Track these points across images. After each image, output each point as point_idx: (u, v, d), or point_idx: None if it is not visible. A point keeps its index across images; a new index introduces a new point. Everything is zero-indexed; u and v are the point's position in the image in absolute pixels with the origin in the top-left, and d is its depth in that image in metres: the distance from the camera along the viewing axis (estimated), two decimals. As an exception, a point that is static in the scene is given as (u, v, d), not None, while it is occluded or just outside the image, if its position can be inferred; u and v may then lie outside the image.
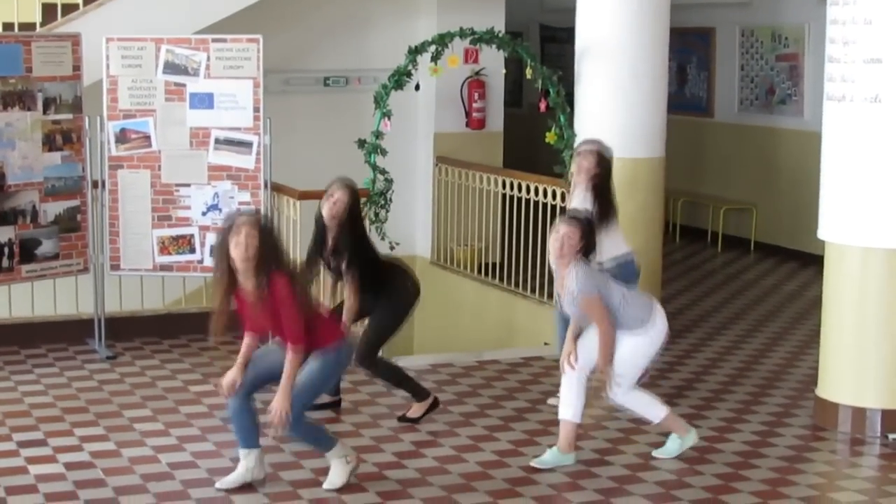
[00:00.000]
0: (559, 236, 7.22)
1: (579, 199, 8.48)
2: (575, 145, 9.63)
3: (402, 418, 8.17)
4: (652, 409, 7.51)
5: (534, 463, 7.36)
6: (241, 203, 9.67)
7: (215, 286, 6.84)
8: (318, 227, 8.08)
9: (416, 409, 8.19)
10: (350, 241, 7.93)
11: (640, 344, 7.31)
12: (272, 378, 6.82)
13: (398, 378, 8.29)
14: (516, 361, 9.69)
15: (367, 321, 8.23)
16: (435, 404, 8.23)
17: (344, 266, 7.96)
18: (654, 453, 7.52)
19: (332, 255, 8.00)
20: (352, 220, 7.97)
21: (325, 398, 8.31)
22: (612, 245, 8.46)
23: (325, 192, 8.02)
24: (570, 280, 7.22)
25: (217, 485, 6.98)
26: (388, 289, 8.12)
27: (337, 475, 6.96)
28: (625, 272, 8.36)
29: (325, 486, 6.96)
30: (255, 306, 6.70)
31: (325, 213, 7.95)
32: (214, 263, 6.83)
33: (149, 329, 10.31)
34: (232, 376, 6.87)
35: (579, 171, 8.53)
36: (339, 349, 6.88)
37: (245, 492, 6.89)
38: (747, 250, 14.52)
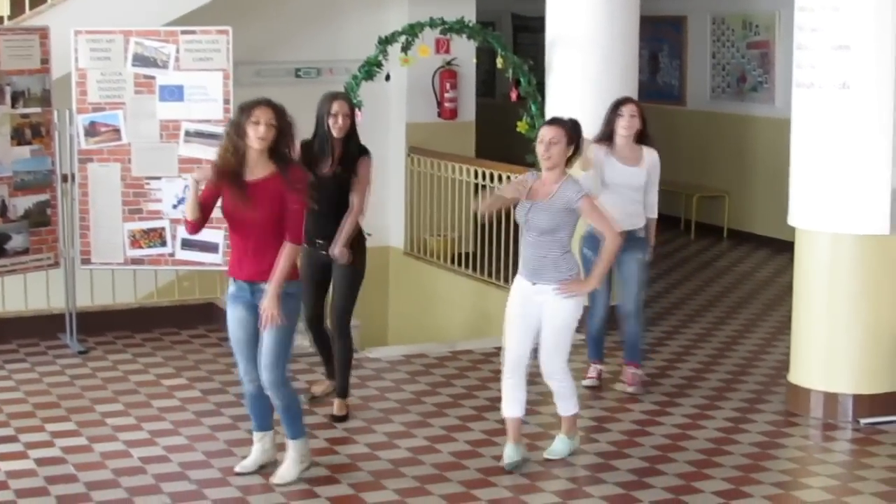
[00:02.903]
0: (546, 143, 6.97)
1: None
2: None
3: (332, 417, 8.02)
4: (573, 401, 7.27)
5: (547, 455, 7.30)
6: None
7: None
8: (319, 143, 7.90)
9: (342, 406, 8.06)
10: (358, 143, 7.93)
11: (576, 307, 7.08)
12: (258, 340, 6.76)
13: (349, 364, 8.16)
14: (490, 351, 9.67)
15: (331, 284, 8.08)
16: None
17: (358, 164, 7.85)
18: (546, 454, 7.29)
19: (340, 163, 7.85)
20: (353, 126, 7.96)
21: (328, 384, 8.36)
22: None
23: (325, 110, 7.87)
24: (561, 186, 6.96)
25: (236, 468, 7.03)
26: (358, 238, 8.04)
27: (290, 470, 6.90)
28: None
29: (275, 480, 6.88)
30: (256, 195, 6.59)
31: (335, 132, 7.81)
32: (224, 156, 6.65)
33: (121, 323, 10.26)
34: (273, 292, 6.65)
35: (629, 128, 8.47)
36: (293, 283, 6.76)
37: (218, 485, 6.88)
38: (720, 237, 14.55)
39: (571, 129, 7.07)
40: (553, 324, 7.06)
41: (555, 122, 7.15)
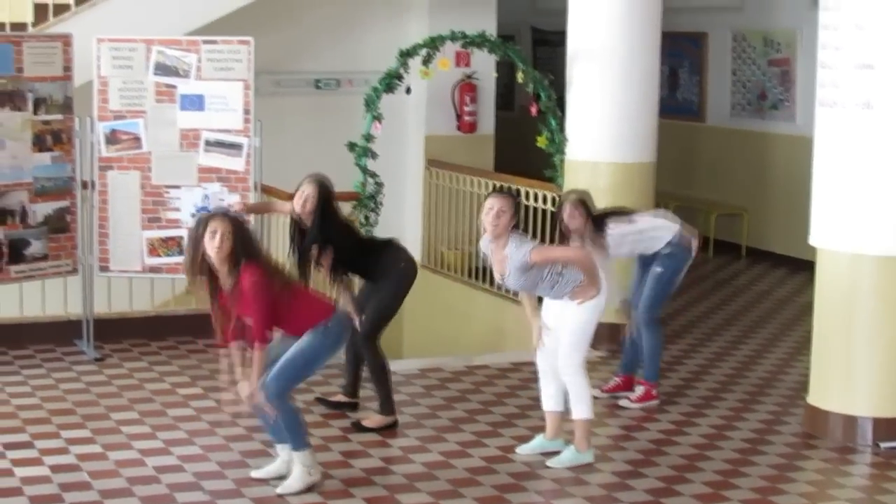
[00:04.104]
0: (495, 212, 7.15)
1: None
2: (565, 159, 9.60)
3: (357, 424, 8.05)
4: (585, 405, 7.46)
5: (549, 463, 7.45)
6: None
7: (198, 291, 6.90)
8: (294, 227, 8.02)
9: (374, 421, 8.07)
10: (319, 228, 7.85)
11: (592, 310, 7.36)
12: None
13: (381, 378, 8.15)
14: (505, 366, 9.65)
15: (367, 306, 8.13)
16: (394, 425, 8.09)
17: (314, 251, 7.85)
18: (549, 463, 7.44)
19: (307, 246, 7.89)
20: (325, 210, 7.90)
21: (341, 397, 8.33)
22: (657, 235, 8.58)
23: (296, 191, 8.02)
24: (510, 250, 7.18)
25: (253, 473, 7.10)
26: (381, 268, 8.07)
27: (296, 481, 6.88)
28: (679, 254, 8.60)
29: (279, 490, 6.87)
30: (231, 303, 6.68)
31: (297, 209, 7.90)
32: (189, 266, 6.75)
33: (137, 330, 10.26)
34: (248, 389, 6.73)
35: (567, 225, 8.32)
36: (330, 320, 6.82)
37: (232, 496, 6.86)
38: (738, 255, 14.50)
39: (515, 202, 7.29)
40: (569, 327, 7.42)
41: (502, 192, 7.49)
